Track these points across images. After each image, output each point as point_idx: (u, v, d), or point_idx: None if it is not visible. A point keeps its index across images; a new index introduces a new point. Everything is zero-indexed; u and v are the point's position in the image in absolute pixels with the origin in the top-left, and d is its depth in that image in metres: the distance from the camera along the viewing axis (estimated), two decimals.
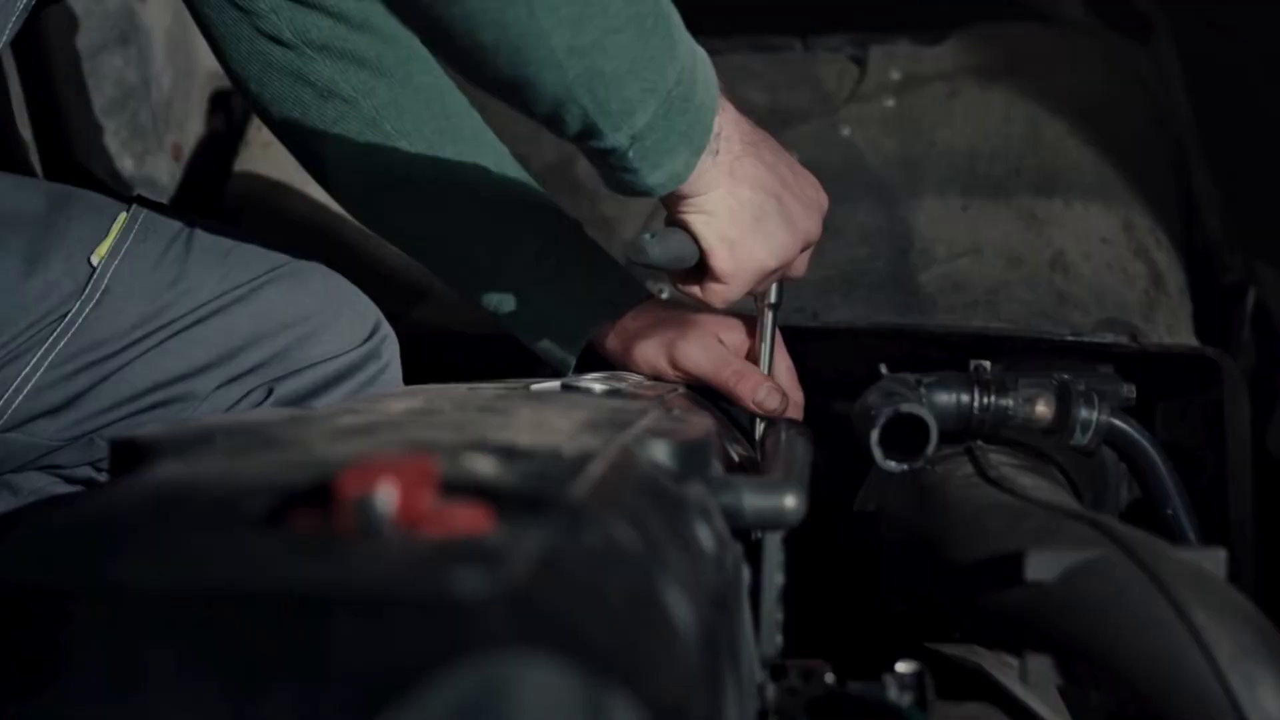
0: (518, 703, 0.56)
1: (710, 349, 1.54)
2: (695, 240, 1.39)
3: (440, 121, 1.63)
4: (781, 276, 1.50)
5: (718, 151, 1.34)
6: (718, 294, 1.43)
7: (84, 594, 0.61)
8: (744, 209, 1.38)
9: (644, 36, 1.20)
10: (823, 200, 1.47)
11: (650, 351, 1.56)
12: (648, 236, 1.37)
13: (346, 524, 0.64)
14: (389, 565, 0.61)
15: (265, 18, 1.58)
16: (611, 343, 1.59)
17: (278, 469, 0.78)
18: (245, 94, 1.68)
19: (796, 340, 1.66)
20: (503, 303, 1.62)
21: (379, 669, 0.56)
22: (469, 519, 0.66)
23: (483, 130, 1.66)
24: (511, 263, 1.61)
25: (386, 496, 0.64)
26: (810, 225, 1.45)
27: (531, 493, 0.72)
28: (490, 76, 1.17)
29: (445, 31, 1.14)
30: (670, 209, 1.39)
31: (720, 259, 1.40)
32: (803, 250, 1.46)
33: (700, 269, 1.43)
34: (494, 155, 1.65)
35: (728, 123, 1.35)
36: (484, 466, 0.79)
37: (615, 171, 1.29)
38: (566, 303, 1.60)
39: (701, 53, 1.30)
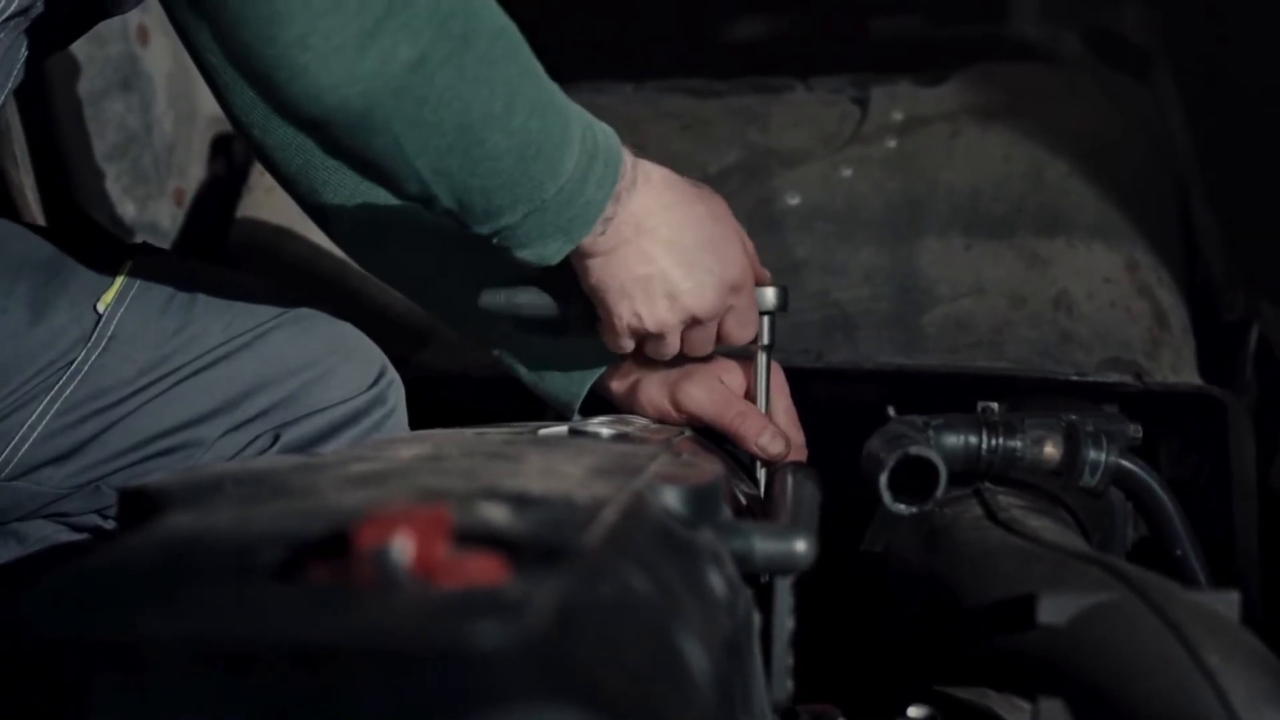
0: None
1: (713, 390, 1.54)
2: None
3: None
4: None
5: (603, 232, 1.35)
6: (613, 346, 1.47)
7: (101, 647, 0.61)
8: (630, 279, 1.40)
9: (524, 163, 1.25)
10: (736, 276, 1.46)
11: (654, 393, 1.56)
12: (491, 290, 1.46)
13: (363, 576, 0.64)
14: (408, 618, 0.61)
15: None
16: (616, 385, 1.59)
17: (291, 519, 0.78)
18: (249, 140, 1.68)
19: (800, 381, 1.66)
20: (505, 346, 1.62)
21: None
22: (484, 569, 0.66)
23: None
24: None
25: (403, 547, 0.64)
26: (708, 299, 1.43)
27: (546, 542, 0.72)
28: (350, 160, 1.26)
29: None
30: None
31: (607, 316, 1.43)
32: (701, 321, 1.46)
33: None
34: None
35: (633, 203, 1.37)
36: (497, 515, 0.78)
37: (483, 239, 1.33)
38: (571, 348, 1.60)
39: (606, 143, 1.34)
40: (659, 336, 1.44)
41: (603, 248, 1.35)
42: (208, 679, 0.59)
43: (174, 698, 0.58)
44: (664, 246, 1.38)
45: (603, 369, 1.59)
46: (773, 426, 1.53)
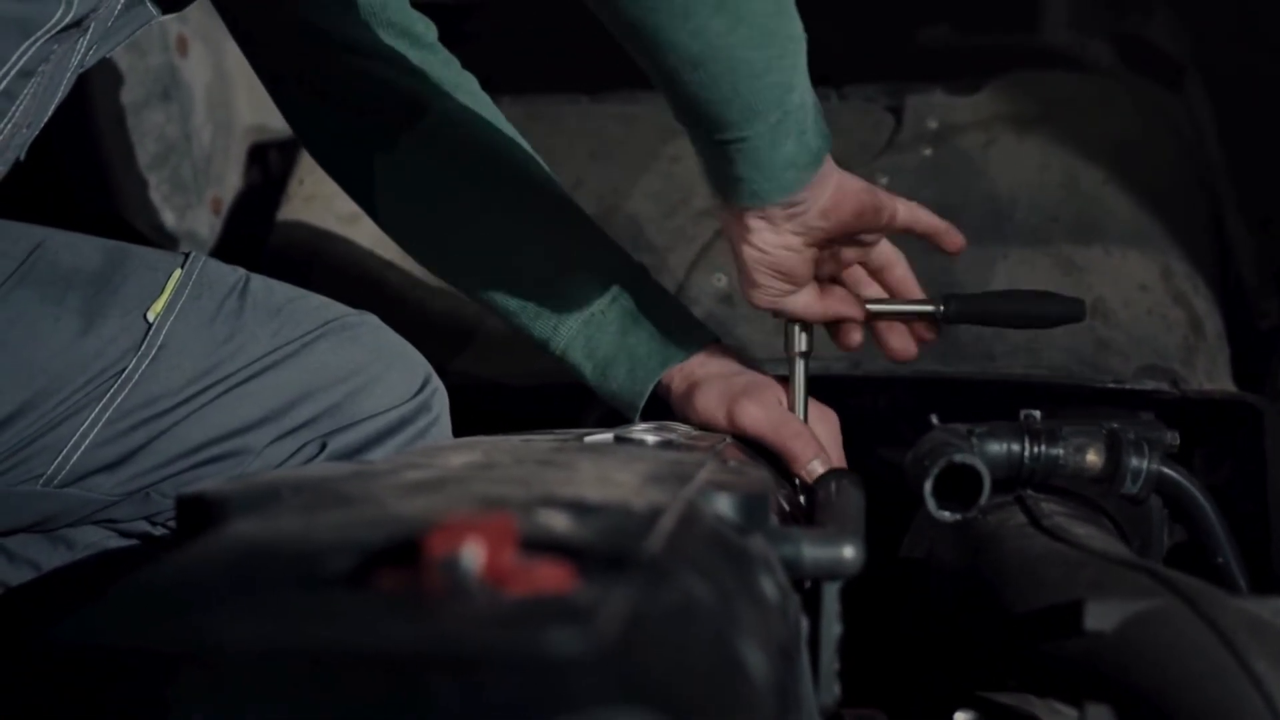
0: None
1: (771, 409, 1.56)
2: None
3: (504, 170, 1.65)
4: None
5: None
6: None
7: (181, 656, 0.62)
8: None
9: (767, 58, 1.31)
10: None
11: (711, 402, 1.58)
12: None
13: (435, 583, 0.65)
14: (481, 625, 0.62)
15: None
16: (676, 385, 1.61)
17: (357, 527, 0.79)
18: (308, 145, 1.72)
19: (838, 388, 1.67)
20: (570, 347, 1.64)
21: None
22: (552, 576, 0.67)
23: (546, 176, 1.69)
24: (578, 306, 1.63)
25: (473, 555, 0.65)
26: None
27: (611, 549, 0.73)
28: (714, 20, 1.25)
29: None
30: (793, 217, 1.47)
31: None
32: None
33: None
34: (558, 200, 1.67)
35: None
36: (559, 523, 0.79)
37: (789, 144, 1.38)
38: (638, 346, 1.62)
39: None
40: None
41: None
42: (285, 686, 0.60)
43: (252, 705, 0.59)
44: None
45: (668, 370, 1.61)
46: (824, 454, 1.55)
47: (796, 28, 1.31)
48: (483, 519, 0.68)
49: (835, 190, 1.47)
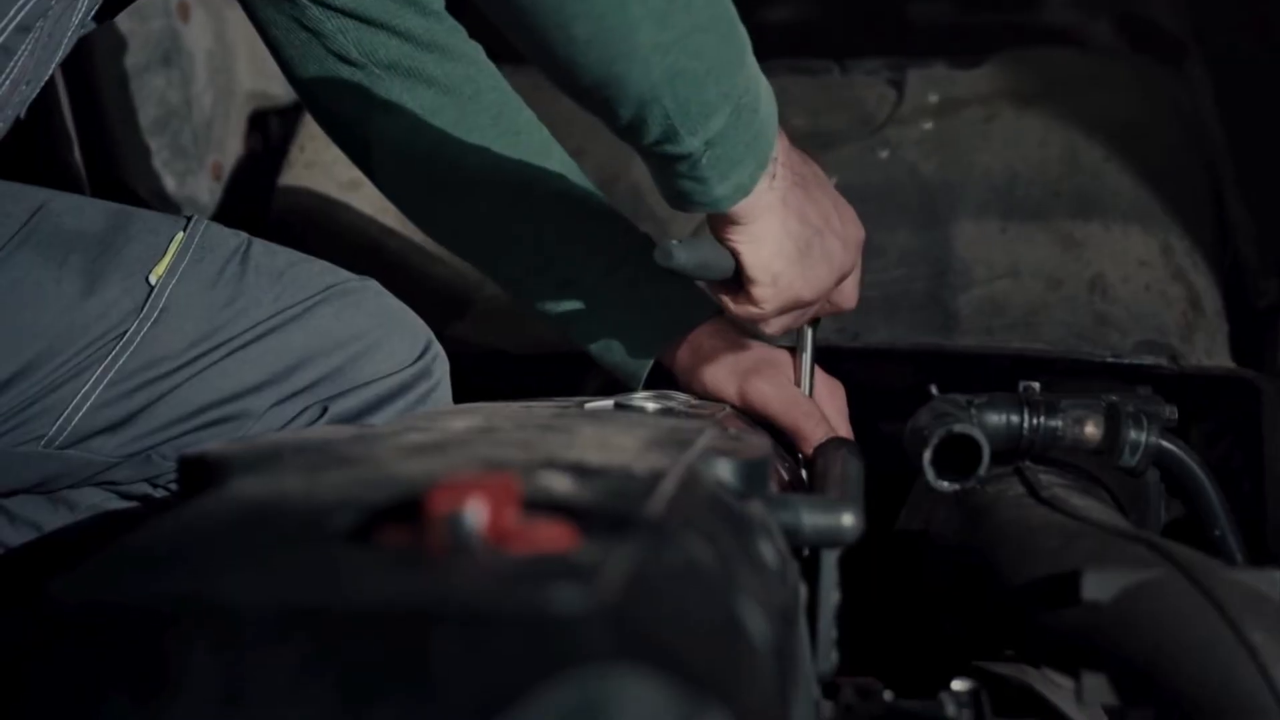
0: (618, 717, 0.57)
1: (783, 388, 1.56)
2: (739, 266, 1.41)
3: (509, 137, 1.65)
4: (824, 309, 1.53)
5: (774, 175, 1.36)
6: (749, 317, 1.46)
7: (187, 612, 0.62)
8: (790, 241, 1.41)
9: (723, 39, 1.24)
10: (860, 234, 1.51)
11: (721, 376, 1.58)
12: (675, 242, 1.39)
13: (438, 540, 0.65)
14: (485, 581, 0.62)
15: (333, 38, 1.61)
16: (683, 357, 1.61)
17: (357, 486, 0.79)
18: (312, 110, 1.71)
19: (837, 360, 1.67)
20: (574, 317, 1.63)
21: (482, 684, 0.57)
22: (555, 536, 0.67)
23: (551, 144, 1.69)
24: (584, 276, 1.62)
25: (476, 513, 0.65)
26: (848, 260, 1.48)
27: (612, 510, 0.73)
28: (579, 77, 1.20)
29: (539, 28, 1.17)
30: (719, 233, 1.41)
31: (761, 288, 1.42)
32: (839, 283, 1.49)
33: (735, 288, 1.45)
34: (562, 169, 1.67)
35: (782, 150, 1.38)
36: (561, 484, 0.80)
37: (683, 181, 1.32)
38: (641, 317, 1.62)
39: (761, 74, 1.33)
40: (808, 305, 1.48)
41: (764, 202, 1.38)
42: (291, 640, 0.60)
43: (259, 659, 0.59)
44: (814, 207, 1.43)
45: (673, 340, 1.61)
46: (834, 433, 1.55)
47: (696, 94, 1.24)
48: (485, 479, 0.69)
49: (766, 258, 1.43)
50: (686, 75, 1.21)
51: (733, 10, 1.25)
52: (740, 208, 1.36)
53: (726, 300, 1.47)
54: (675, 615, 0.67)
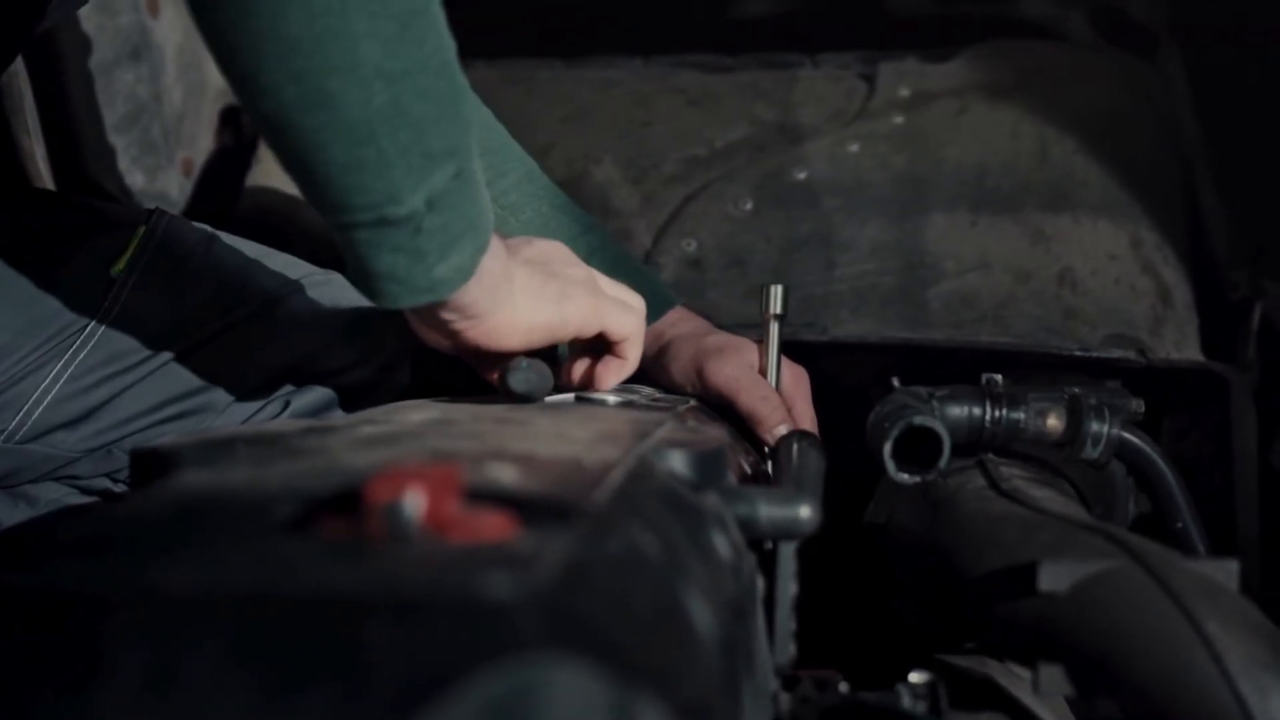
0: (548, 705, 0.56)
1: (742, 370, 1.55)
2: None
3: None
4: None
5: (493, 252, 1.22)
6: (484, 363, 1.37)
7: (120, 600, 0.62)
8: (529, 288, 1.29)
9: (453, 92, 1.10)
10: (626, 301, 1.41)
11: (683, 360, 1.57)
12: (523, 364, 1.27)
13: (375, 530, 0.65)
14: (420, 570, 0.62)
15: None
16: (646, 349, 1.60)
17: (303, 477, 0.79)
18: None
19: (806, 354, 1.67)
20: None
21: (413, 672, 0.57)
22: (494, 525, 0.67)
23: (509, 143, 1.68)
24: None
25: (414, 503, 0.65)
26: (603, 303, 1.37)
27: (555, 500, 0.73)
28: (286, 96, 1.03)
29: (248, 26, 1.00)
30: (432, 331, 1.29)
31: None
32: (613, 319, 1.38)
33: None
34: (522, 167, 1.67)
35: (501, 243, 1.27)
36: (506, 475, 0.80)
37: (396, 258, 1.14)
38: None
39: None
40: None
41: (490, 278, 1.23)
42: (221, 629, 0.60)
43: (187, 647, 0.59)
44: (543, 268, 1.32)
45: None
46: (790, 420, 1.54)
47: (418, 141, 1.08)
48: (427, 469, 0.68)
49: (500, 325, 1.26)
50: (409, 116, 1.06)
51: (458, 68, 1.11)
52: (462, 294, 1.20)
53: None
54: (614, 604, 0.67)
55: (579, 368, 1.42)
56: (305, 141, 1.05)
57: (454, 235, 1.14)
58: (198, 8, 1.02)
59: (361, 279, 1.18)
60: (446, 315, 1.23)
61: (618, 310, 1.37)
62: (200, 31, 1.04)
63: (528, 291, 1.28)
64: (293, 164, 1.09)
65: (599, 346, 1.40)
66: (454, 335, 1.26)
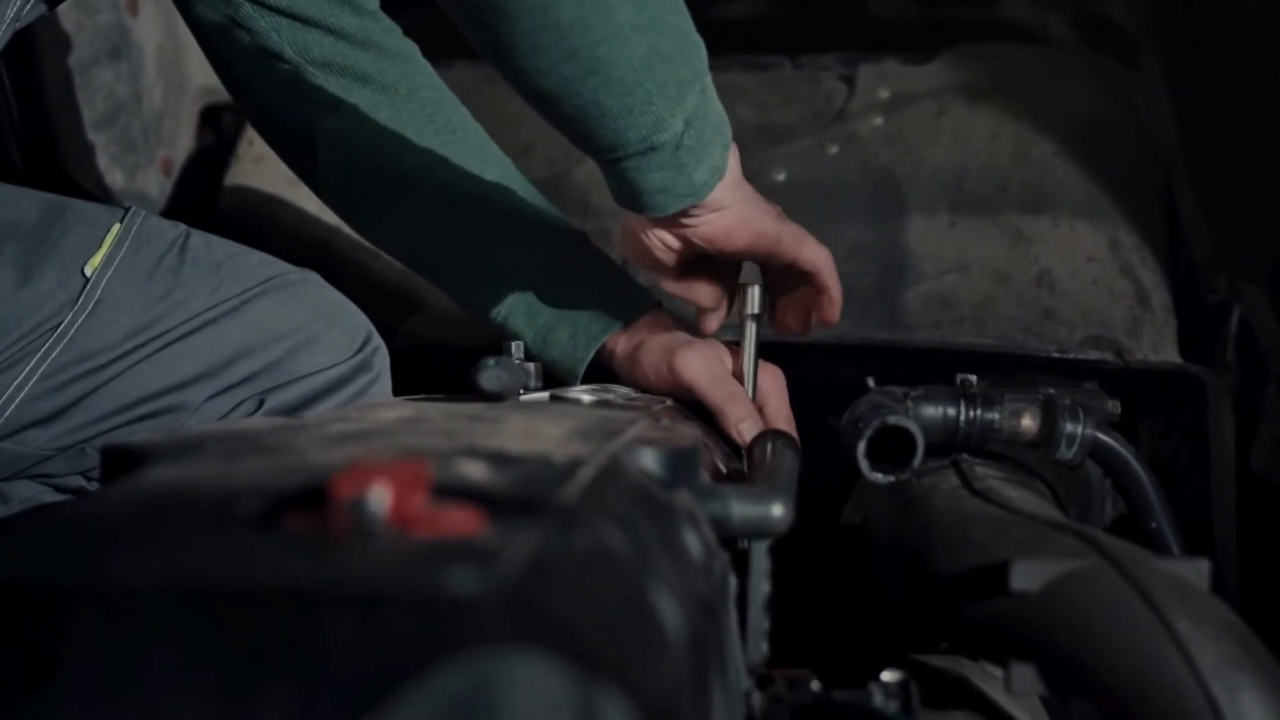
0: (510, 699, 0.56)
1: (711, 363, 1.56)
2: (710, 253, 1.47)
3: (444, 136, 1.65)
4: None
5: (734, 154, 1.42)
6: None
7: (80, 593, 0.62)
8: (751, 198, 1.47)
9: (684, 17, 1.27)
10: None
11: (654, 356, 1.58)
12: (491, 362, 1.32)
13: (340, 525, 0.65)
14: (383, 564, 0.62)
15: (266, 36, 1.60)
16: (621, 351, 1.61)
17: (271, 472, 0.79)
18: (245, 109, 1.70)
19: (784, 356, 1.67)
20: (510, 315, 1.63)
21: (373, 666, 0.57)
22: (460, 520, 0.67)
23: (487, 144, 1.68)
24: (519, 274, 1.62)
25: (379, 498, 0.65)
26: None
27: (522, 496, 0.73)
28: (564, 70, 1.20)
29: (522, 20, 1.17)
30: (676, 228, 1.46)
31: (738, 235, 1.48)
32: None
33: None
34: (499, 168, 1.67)
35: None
36: (475, 471, 0.79)
37: (663, 174, 1.34)
38: (576, 313, 1.61)
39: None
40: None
41: (732, 178, 1.42)
42: (182, 623, 0.59)
43: (149, 642, 0.59)
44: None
45: (607, 336, 1.61)
46: (756, 415, 1.54)
47: (673, 74, 1.27)
48: (394, 464, 0.68)
49: (733, 222, 1.46)
50: (663, 55, 1.24)
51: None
52: (714, 194, 1.40)
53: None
54: (579, 600, 0.67)
55: (787, 310, 1.62)
56: (582, 104, 1.24)
57: (707, 141, 1.34)
58: (472, 21, 1.20)
59: (628, 197, 1.39)
60: (695, 210, 1.42)
61: (813, 240, 1.54)
62: (473, 39, 1.23)
63: (754, 200, 1.47)
64: (569, 123, 1.29)
65: (791, 284, 1.59)
66: (694, 230, 1.46)
